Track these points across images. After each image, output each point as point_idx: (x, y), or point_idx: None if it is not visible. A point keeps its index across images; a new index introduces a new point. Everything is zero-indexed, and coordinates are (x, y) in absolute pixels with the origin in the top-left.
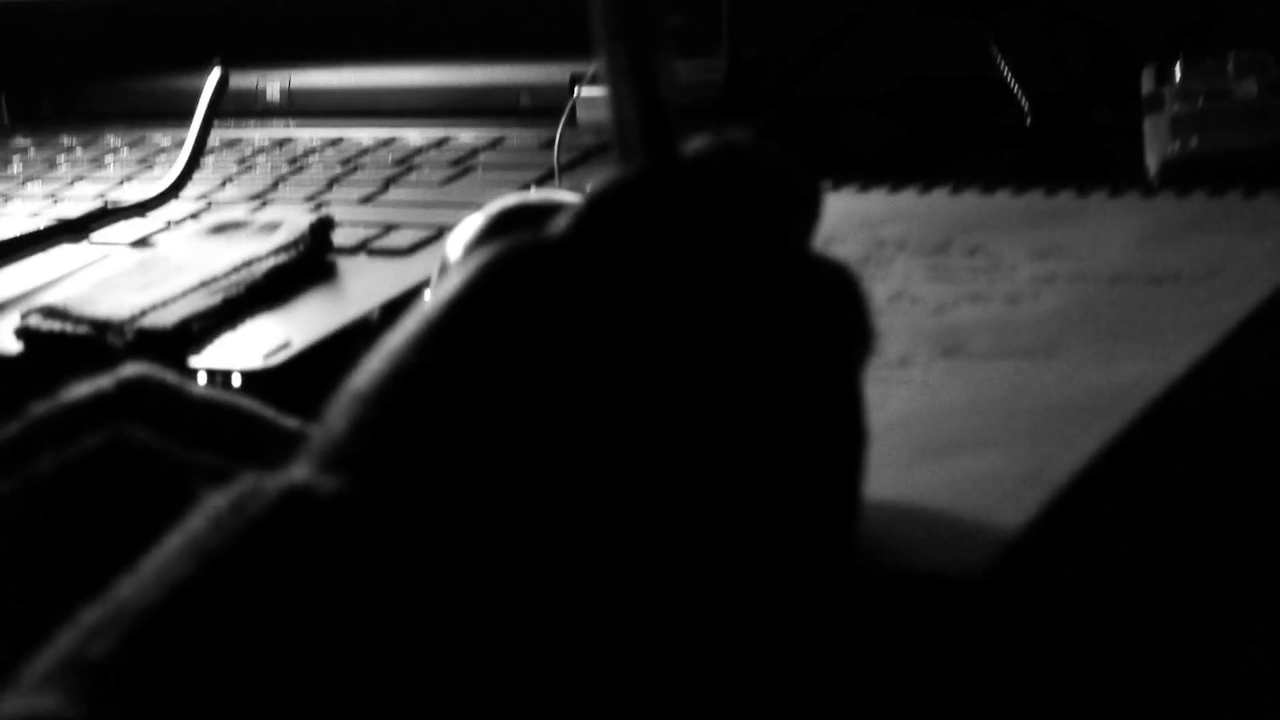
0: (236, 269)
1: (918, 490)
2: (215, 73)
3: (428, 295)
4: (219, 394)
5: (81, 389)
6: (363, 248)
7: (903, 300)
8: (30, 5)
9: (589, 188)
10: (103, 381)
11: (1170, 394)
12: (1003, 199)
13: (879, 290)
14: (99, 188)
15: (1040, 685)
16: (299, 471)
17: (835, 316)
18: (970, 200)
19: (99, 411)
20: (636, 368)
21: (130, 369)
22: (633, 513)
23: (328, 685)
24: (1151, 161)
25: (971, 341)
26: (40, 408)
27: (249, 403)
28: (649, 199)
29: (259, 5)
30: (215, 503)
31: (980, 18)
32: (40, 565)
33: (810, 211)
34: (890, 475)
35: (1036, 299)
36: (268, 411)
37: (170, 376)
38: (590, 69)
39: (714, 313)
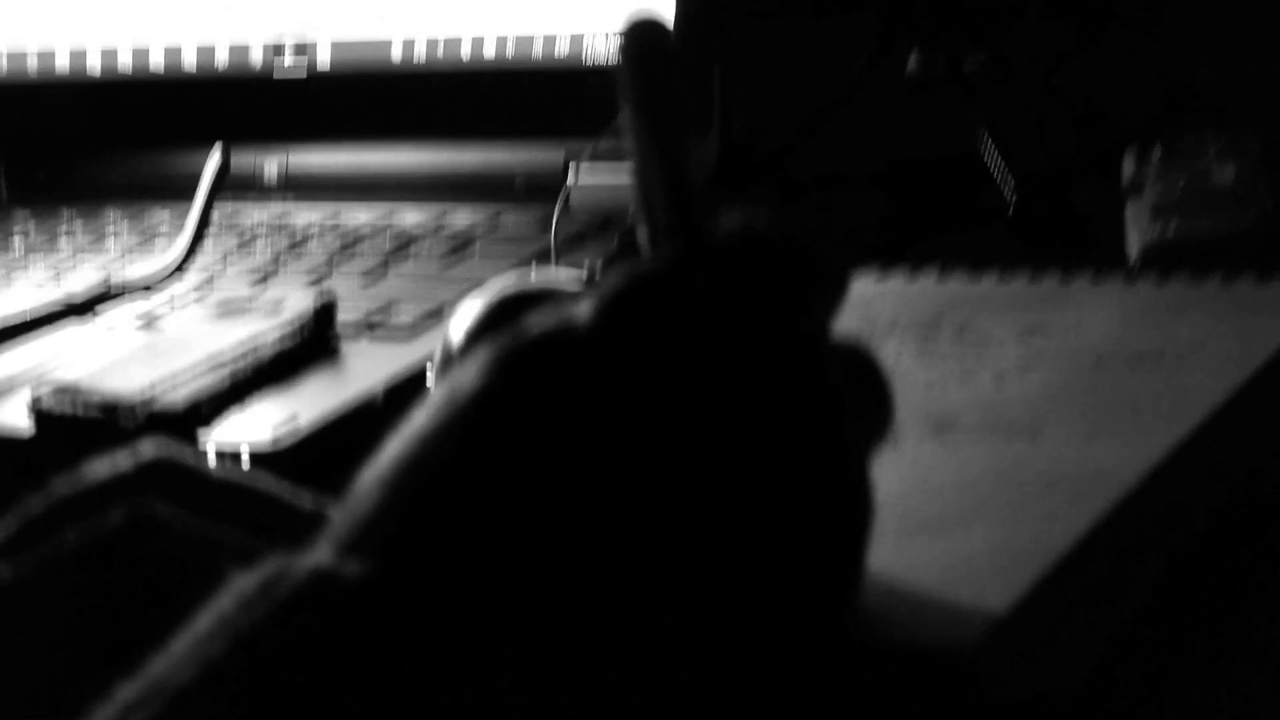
0: (243, 349)
1: (908, 566)
2: (216, 154)
3: (430, 376)
4: (235, 472)
5: (102, 467)
6: (365, 328)
7: (894, 379)
8: (28, 80)
9: (612, 274)
10: (122, 460)
11: (1151, 476)
12: (989, 282)
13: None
14: (101, 264)
15: None
16: (323, 554)
17: (842, 402)
18: (958, 283)
19: (120, 489)
20: (655, 460)
21: (149, 448)
22: (644, 595)
23: None
24: (1133, 245)
25: (960, 420)
26: (63, 485)
27: (265, 480)
28: (673, 290)
29: (256, 84)
30: (244, 584)
31: (966, 98)
32: (65, 638)
33: (833, 291)
34: (881, 551)
35: (1023, 378)
36: (283, 489)
37: (188, 455)
38: (586, 150)
39: (730, 401)
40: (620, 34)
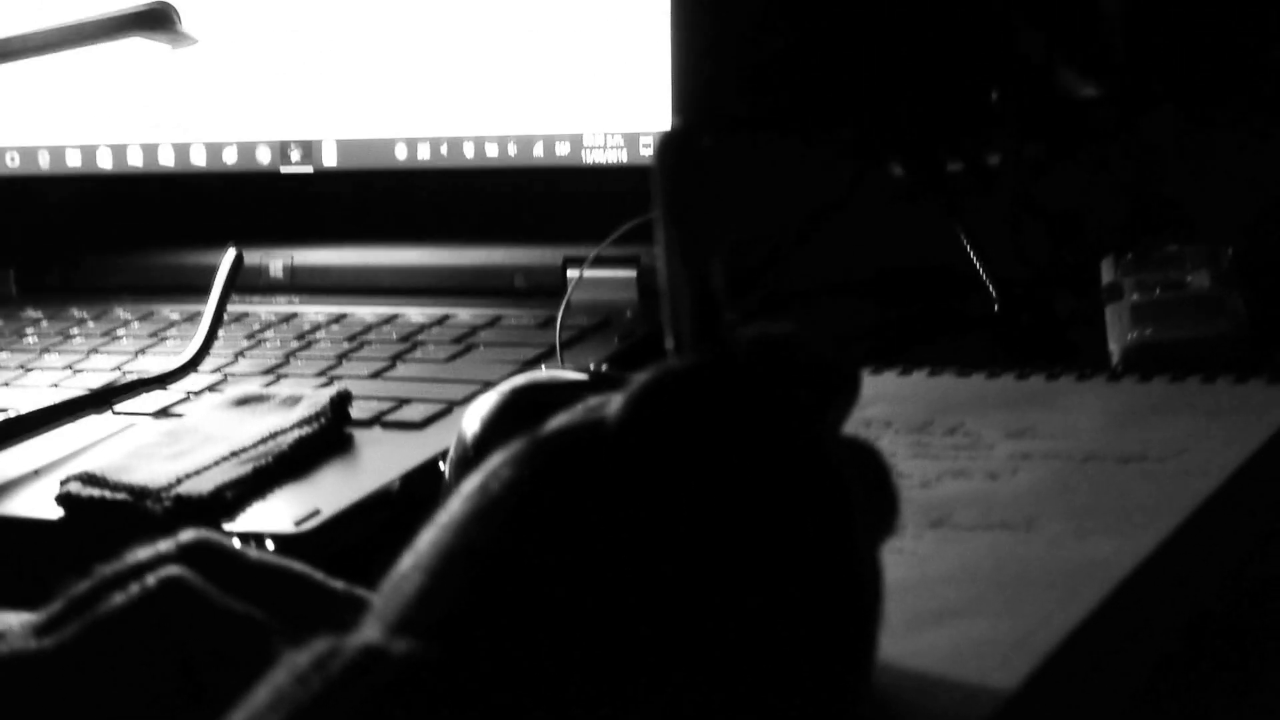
0: (263, 440)
1: (913, 654)
2: (230, 253)
3: (445, 467)
4: (270, 557)
5: (144, 551)
6: (377, 421)
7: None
8: (35, 178)
9: (640, 376)
10: (164, 545)
11: (1141, 569)
12: (978, 381)
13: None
14: (115, 360)
15: None
16: (371, 633)
17: (851, 499)
18: (947, 382)
19: (160, 567)
20: (681, 552)
21: (188, 533)
22: (670, 679)
23: None
24: (1114, 348)
25: (956, 514)
26: (107, 567)
27: (298, 565)
28: (699, 393)
29: (262, 182)
30: (298, 659)
31: (951, 210)
32: (103, 705)
33: (847, 394)
34: (887, 640)
35: (1014, 475)
36: (315, 573)
37: (225, 541)
38: (588, 254)
39: (750, 500)
40: (656, 144)
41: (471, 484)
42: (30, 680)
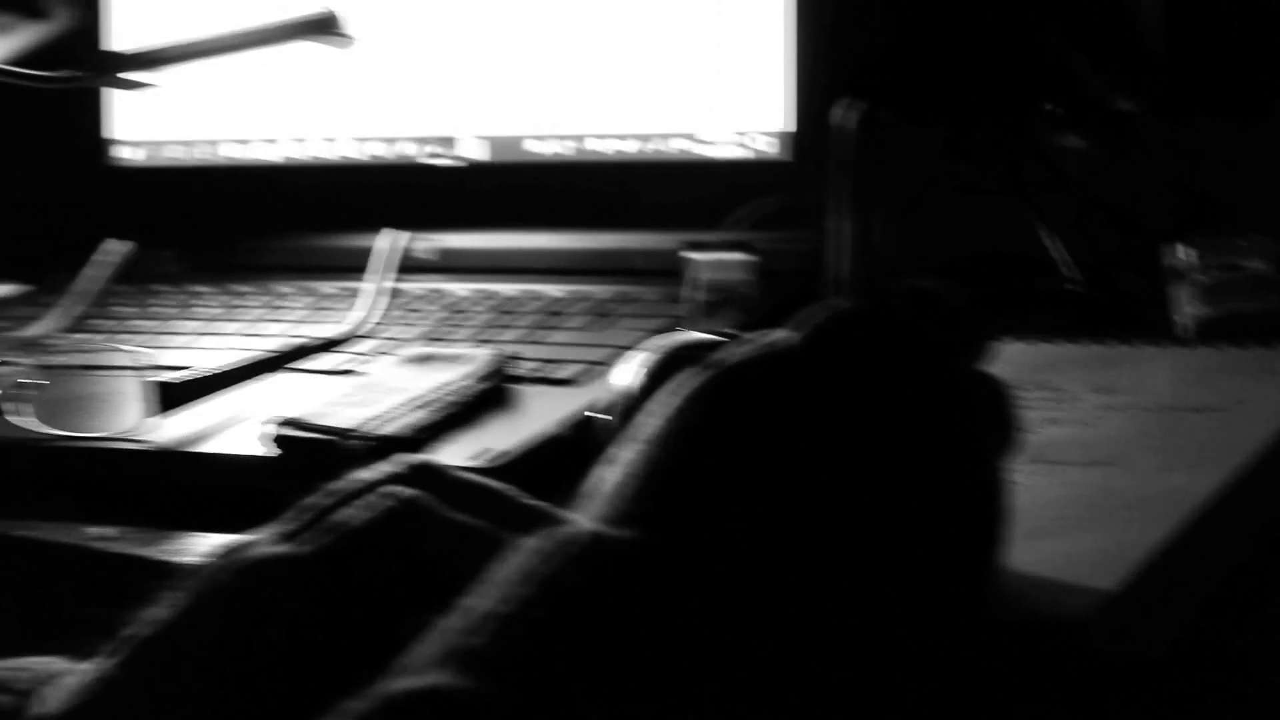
0: (438, 391)
1: (1025, 563)
2: (389, 232)
3: (601, 415)
4: (481, 479)
5: (373, 471)
6: (531, 378)
7: None
8: (199, 167)
9: (814, 310)
10: (390, 466)
11: (1212, 496)
12: (1062, 347)
13: None
14: (280, 327)
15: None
16: (595, 525)
17: (980, 418)
18: (1036, 348)
19: (390, 486)
20: (853, 448)
21: (411, 456)
22: (839, 551)
23: (636, 683)
24: (1180, 320)
25: (1054, 453)
26: (341, 482)
27: (504, 485)
28: (866, 328)
29: (408, 175)
30: (539, 544)
31: (1027, 202)
32: (352, 607)
33: (978, 336)
34: (1006, 550)
35: (1101, 422)
36: (519, 493)
37: (444, 464)
38: (704, 238)
39: (904, 411)
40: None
41: (664, 407)
42: (286, 579)
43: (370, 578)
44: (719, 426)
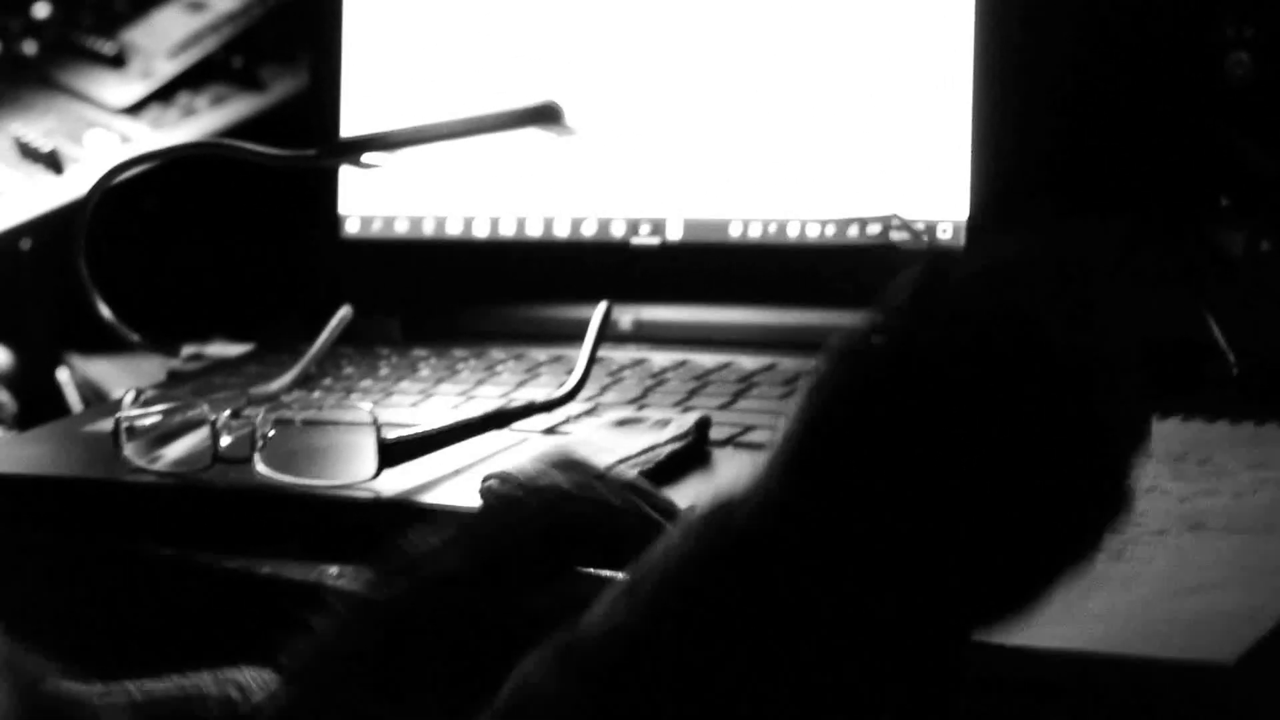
0: (643, 452)
1: (1179, 612)
2: (602, 305)
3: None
4: (618, 471)
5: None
6: (730, 442)
7: (1155, 493)
8: (422, 241)
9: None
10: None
11: None
12: (1223, 427)
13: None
14: (499, 390)
15: None
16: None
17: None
18: (1198, 426)
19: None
20: (950, 431)
21: (558, 449)
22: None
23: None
24: None
25: (1209, 521)
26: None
27: (639, 478)
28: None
29: (614, 253)
30: (698, 517)
31: (1199, 291)
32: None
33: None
34: (1159, 603)
35: (1255, 495)
36: (650, 485)
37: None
38: None
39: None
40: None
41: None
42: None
43: (514, 549)
44: (841, 397)
